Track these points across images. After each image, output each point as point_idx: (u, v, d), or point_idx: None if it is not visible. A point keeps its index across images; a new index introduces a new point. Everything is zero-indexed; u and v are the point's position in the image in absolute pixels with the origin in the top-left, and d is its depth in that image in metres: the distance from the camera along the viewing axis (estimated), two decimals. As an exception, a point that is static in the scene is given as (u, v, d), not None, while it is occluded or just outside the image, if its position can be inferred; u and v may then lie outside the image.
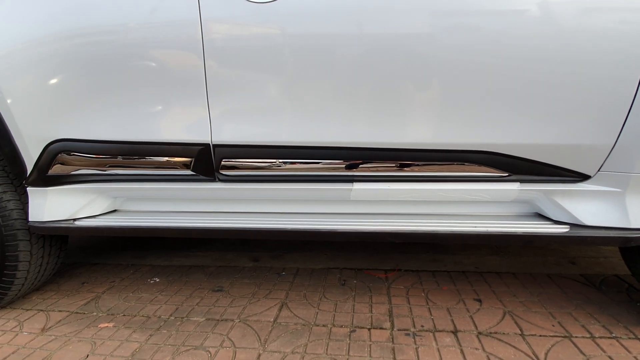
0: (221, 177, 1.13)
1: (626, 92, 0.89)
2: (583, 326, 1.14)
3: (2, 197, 1.25)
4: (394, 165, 1.03)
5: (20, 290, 1.37)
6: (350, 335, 1.14)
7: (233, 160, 1.09)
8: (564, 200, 1.00)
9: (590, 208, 0.98)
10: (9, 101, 1.12)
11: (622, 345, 1.05)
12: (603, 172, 0.96)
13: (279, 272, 1.63)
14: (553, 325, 1.15)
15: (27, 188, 1.23)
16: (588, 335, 1.09)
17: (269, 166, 1.08)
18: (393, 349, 1.07)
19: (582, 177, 0.98)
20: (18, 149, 1.16)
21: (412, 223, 1.03)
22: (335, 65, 0.97)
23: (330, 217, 1.13)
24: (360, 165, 1.04)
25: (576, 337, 1.09)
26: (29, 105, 1.12)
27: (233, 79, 1.03)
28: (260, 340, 1.14)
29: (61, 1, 1.07)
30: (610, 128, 0.92)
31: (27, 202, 1.27)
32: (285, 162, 1.07)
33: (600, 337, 1.08)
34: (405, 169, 1.03)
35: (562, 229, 0.98)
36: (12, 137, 1.15)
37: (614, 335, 1.09)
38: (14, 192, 1.28)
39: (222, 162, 1.09)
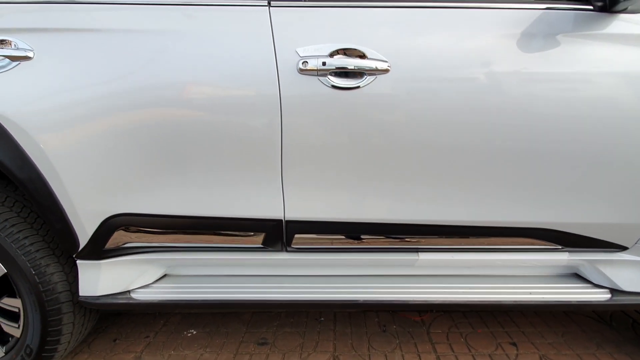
0: (290, 249, 1.15)
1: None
2: (609, 368, 1.31)
3: (45, 271, 1.18)
4: (459, 238, 1.11)
5: (59, 361, 1.30)
6: (410, 390, 1.22)
7: (305, 235, 1.11)
8: (605, 267, 1.14)
9: (627, 275, 1.13)
10: (62, 175, 1.05)
11: (645, 386, 1.22)
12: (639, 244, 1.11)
13: (316, 317, 1.67)
14: (584, 369, 1.30)
15: (77, 261, 1.17)
16: (615, 377, 1.26)
17: (341, 240, 1.11)
18: (455, 404, 1.16)
19: (622, 248, 1.13)
20: (71, 225, 1.10)
21: (478, 292, 1.12)
22: (409, 152, 1.03)
23: (392, 281, 1.19)
24: (427, 240, 1.12)
25: (606, 379, 1.25)
26: (86, 179, 1.06)
27: (310, 157, 1.05)
28: (327, 402, 1.18)
29: (122, 59, 1.02)
30: (649, 209, 1.06)
31: (76, 275, 1.20)
32: (356, 237, 1.11)
33: (626, 379, 1.25)
34: (470, 240, 1.11)
35: (606, 296, 1.12)
36: (65, 213, 1.08)
37: (636, 376, 1.27)
38: (57, 263, 1.21)
39: (295, 237, 1.11)
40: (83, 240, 1.12)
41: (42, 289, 1.18)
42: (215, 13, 1.03)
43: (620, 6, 0.95)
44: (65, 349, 1.28)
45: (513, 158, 1.02)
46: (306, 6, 1.03)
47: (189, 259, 1.20)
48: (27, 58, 1.03)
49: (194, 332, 1.58)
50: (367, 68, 0.98)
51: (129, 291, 1.20)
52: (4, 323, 1.25)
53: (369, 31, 1.01)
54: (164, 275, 1.30)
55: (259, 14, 1.02)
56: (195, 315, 1.71)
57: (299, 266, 1.22)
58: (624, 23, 1.00)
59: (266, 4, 1.03)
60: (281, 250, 1.16)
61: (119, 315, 1.73)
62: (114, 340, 1.54)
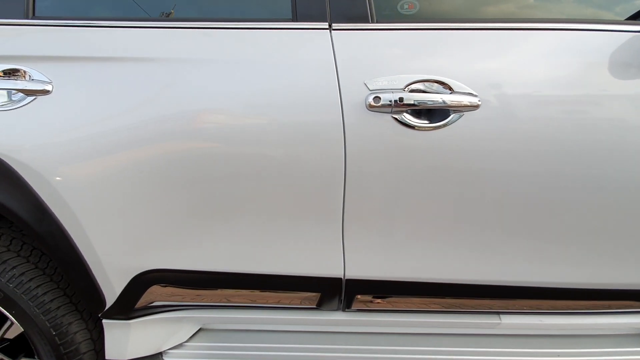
0: (347, 310, 0.99)
1: None
2: None
3: (67, 330, 1.03)
4: (553, 300, 0.94)
5: None
6: None
7: (369, 296, 0.95)
8: None
9: None
10: (86, 228, 0.90)
11: None
12: None
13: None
14: None
15: (103, 321, 1.02)
16: None
17: (411, 302, 0.95)
18: None
19: None
20: (97, 283, 0.95)
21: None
22: (499, 204, 0.85)
23: (467, 343, 1.02)
24: (512, 302, 0.95)
25: None
26: (114, 231, 0.91)
27: (377, 208, 0.88)
28: None
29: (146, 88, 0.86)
30: None
31: (100, 331, 1.06)
32: (429, 299, 0.95)
33: None
34: (564, 303, 0.94)
35: None
36: (90, 269, 0.93)
37: None
38: (80, 319, 1.06)
39: (357, 298, 0.95)
40: (110, 299, 0.97)
41: (63, 351, 1.03)
42: (265, 38, 0.87)
43: None
44: (89, 412, 1.14)
45: (627, 207, 0.85)
46: (374, 29, 0.86)
47: (228, 317, 1.05)
48: (44, 92, 0.87)
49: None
50: (453, 104, 0.81)
51: (161, 353, 1.05)
52: (22, 385, 1.12)
53: (452, 58, 0.84)
54: (199, 329, 1.15)
55: (318, 39, 0.85)
56: None
57: (357, 325, 1.06)
58: None
59: (327, 27, 0.86)
60: (337, 310, 1.00)
61: None
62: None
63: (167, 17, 0.92)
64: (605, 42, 0.84)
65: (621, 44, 0.83)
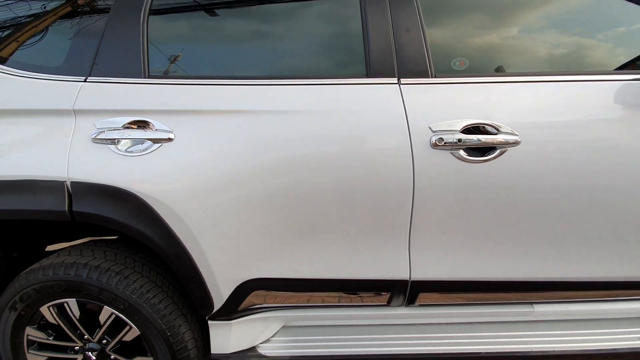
0: (411, 306, 1.22)
1: None
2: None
3: (178, 331, 1.25)
4: (578, 291, 1.18)
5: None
6: None
7: (429, 293, 1.18)
8: None
9: None
10: (204, 248, 1.11)
11: None
12: None
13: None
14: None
15: (209, 322, 1.24)
16: None
17: (461, 296, 1.18)
18: None
19: None
20: (209, 291, 1.16)
21: (597, 340, 1.19)
22: (534, 218, 1.09)
23: (509, 329, 1.26)
24: (544, 294, 1.19)
25: None
26: (226, 250, 1.12)
27: (438, 224, 1.11)
28: None
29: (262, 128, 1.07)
30: None
31: (200, 331, 1.28)
32: (477, 294, 1.18)
33: None
34: (589, 293, 1.18)
35: None
36: (204, 281, 1.15)
37: None
38: (186, 322, 1.28)
39: (419, 296, 1.18)
40: (218, 304, 1.19)
41: (176, 349, 1.25)
42: (347, 91, 1.09)
43: None
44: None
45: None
46: (434, 83, 1.08)
47: (310, 315, 1.27)
48: (168, 140, 1.08)
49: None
50: (500, 142, 1.03)
51: (255, 347, 1.27)
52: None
53: (497, 104, 1.06)
54: (282, 326, 1.37)
55: (390, 91, 1.07)
56: None
57: (416, 317, 1.29)
58: None
59: (396, 82, 1.08)
60: (401, 306, 1.23)
61: None
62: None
63: (294, 76, 1.13)
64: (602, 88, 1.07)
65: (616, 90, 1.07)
